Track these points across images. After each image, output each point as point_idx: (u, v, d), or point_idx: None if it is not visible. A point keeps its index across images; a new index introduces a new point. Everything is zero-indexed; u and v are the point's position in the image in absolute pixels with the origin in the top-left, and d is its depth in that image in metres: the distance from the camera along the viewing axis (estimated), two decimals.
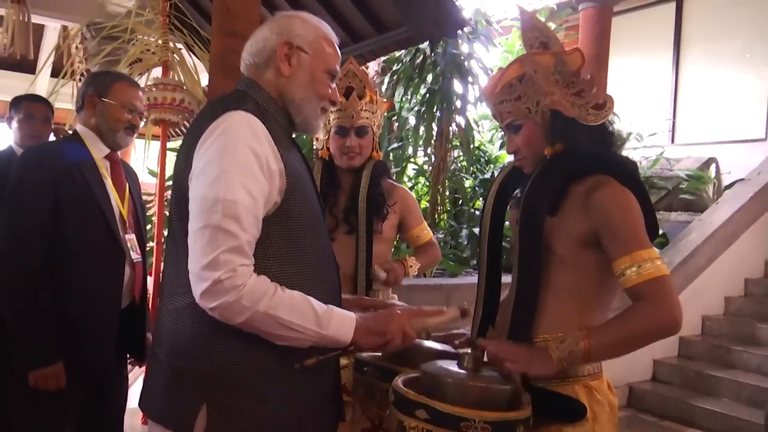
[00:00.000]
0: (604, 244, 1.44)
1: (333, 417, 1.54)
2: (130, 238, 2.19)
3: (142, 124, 2.41)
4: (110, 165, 2.23)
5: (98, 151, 2.20)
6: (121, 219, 2.19)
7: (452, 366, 1.39)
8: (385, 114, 5.99)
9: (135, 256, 2.19)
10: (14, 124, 3.07)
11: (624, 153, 6.00)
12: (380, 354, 1.65)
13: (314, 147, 2.48)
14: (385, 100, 2.54)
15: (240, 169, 1.30)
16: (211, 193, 1.28)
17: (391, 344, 1.40)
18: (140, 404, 1.47)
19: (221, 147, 1.31)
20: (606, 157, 1.53)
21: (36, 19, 4.72)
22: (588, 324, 1.48)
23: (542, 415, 1.40)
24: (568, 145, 1.52)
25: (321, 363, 1.37)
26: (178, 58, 3.67)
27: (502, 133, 1.78)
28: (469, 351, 1.43)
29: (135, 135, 2.33)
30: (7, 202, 2.07)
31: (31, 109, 3.05)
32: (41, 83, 6.92)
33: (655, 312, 1.37)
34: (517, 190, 1.69)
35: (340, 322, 1.35)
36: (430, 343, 1.63)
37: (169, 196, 2.41)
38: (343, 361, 1.78)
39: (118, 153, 2.31)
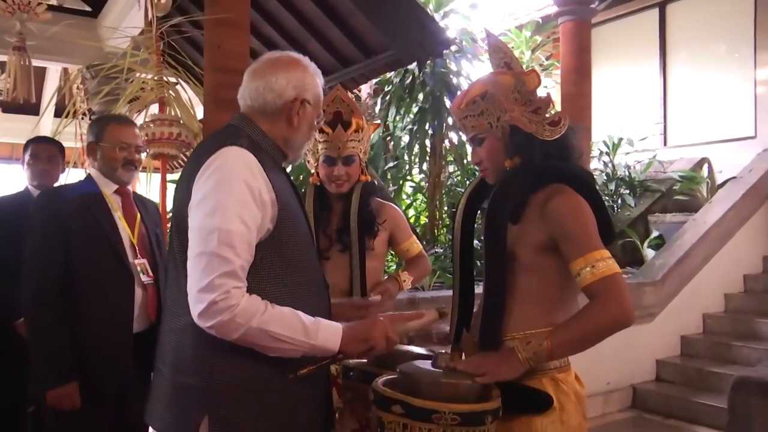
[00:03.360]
0: (561, 248, 1.56)
1: (324, 426, 1.65)
2: (141, 262, 2.38)
3: (142, 156, 2.64)
4: (121, 199, 2.47)
5: (108, 188, 2.45)
6: (131, 245, 2.39)
7: (427, 366, 1.51)
8: (380, 134, 6.17)
9: (145, 278, 2.37)
10: (25, 165, 3.23)
11: (617, 158, 6.12)
12: (365, 360, 1.78)
13: (312, 172, 2.59)
14: (377, 122, 2.67)
15: (235, 201, 1.42)
16: (208, 222, 1.41)
17: (375, 349, 1.54)
18: (145, 417, 1.59)
19: (218, 180, 1.44)
20: (562, 168, 1.65)
21: (37, 62, 4.91)
22: (553, 323, 1.59)
23: (512, 407, 1.51)
24: (525, 159, 1.65)
25: (313, 372, 1.49)
26: (173, 94, 3.81)
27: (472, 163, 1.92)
28: (443, 351, 1.55)
29: (136, 168, 2.53)
30: (28, 239, 2.33)
31: (35, 149, 3.21)
32: (46, 124, 7.11)
33: (608, 308, 1.48)
34: (485, 201, 1.81)
35: (328, 333, 1.48)
36: (409, 347, 1.76)
37: (170, 226, 2.55)
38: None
39: (128, 187, 2.53)
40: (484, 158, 1.72)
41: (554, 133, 1.64)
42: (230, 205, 1.42)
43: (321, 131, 2.38)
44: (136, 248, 2.40)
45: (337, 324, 1.51)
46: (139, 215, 2.49)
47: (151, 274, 2.39)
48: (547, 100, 1.68)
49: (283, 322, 1.43)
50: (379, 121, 5.80)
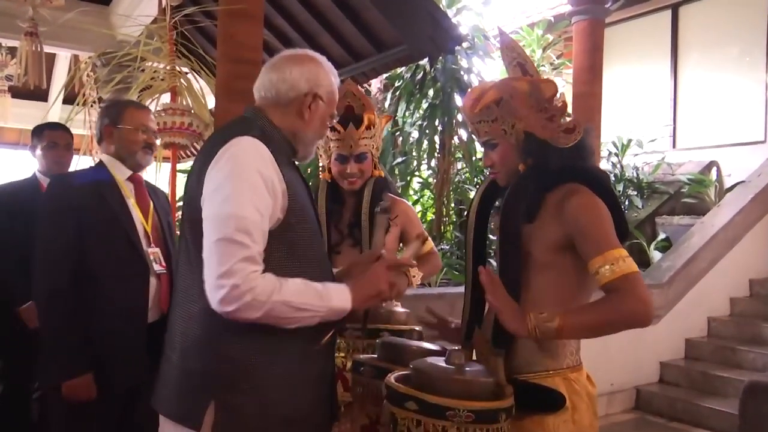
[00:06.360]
0: (578, 247, 1.55)
1: (328, 416, 1.67)
2: (154, 252, 2.35)
3: (157, 142, 2.62)
4: (134, 186, 2.44)
5: (121, 174, 2.40)
6: (145, 234, 2.36)
7: (440, 362, 1.51)
8: (389, 129, 6.16)
9: (158, 268, 2.33)
10: (38, 152, 3.18)
11: (626, 159, 6.10)
12: (376, 355, 1.79)
13: (320, 164, 2.59)
14: (386, 114, 2.66)
15: (249, 189, 1.44)
16: (224, 210, 1.43)
17: (385, 299, 1.63)
18: (152, 402, 1.60)
19: (232, 169, 1.46)
20: (578, 168, 1.64)
21: (48, 49, 4.91)
22: None
23: (524, 405, 1.51)
24: (539, 161, 1.64)
25: (334, 336, 1.59)
26: (185, 84, 3.80)
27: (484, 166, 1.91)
28: (456, 348, 1.55)
29: (153, 153, 2.53)
30: (39, 229, 2.29)
31: (54, 137, 3.18)
32: (53, 111, 7.11)
33: (629, 301, 1.47)
34: (498, 200, 1.80)
35: (339, 293, 1.53)
36: (421, 343, 1.76)
37: (179, 215, 2.56)
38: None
39: (141, 174, 2.51)
40: (497, 162, 1.71)
41: (569, 140, 1.63)
42: (245, 193, 1.44)
43: (332, 129, 2.38)
44: (150, 237, 2.37)
45: (343, 285, 1.56)
46: (152, 203, 2.46)
47: (164, 263, 2.36)
48: (563, 108, 1.67)
49: (299, 291, 1.46)
50: (390, 115, 5.78)
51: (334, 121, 1.77)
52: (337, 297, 1.51)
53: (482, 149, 1.81)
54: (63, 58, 8.19)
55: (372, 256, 1.71)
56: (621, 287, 1.48)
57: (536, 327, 1.49)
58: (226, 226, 1.41)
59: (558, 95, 1.67)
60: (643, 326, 1.49)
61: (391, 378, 1.50)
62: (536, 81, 1.67)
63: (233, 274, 1.38)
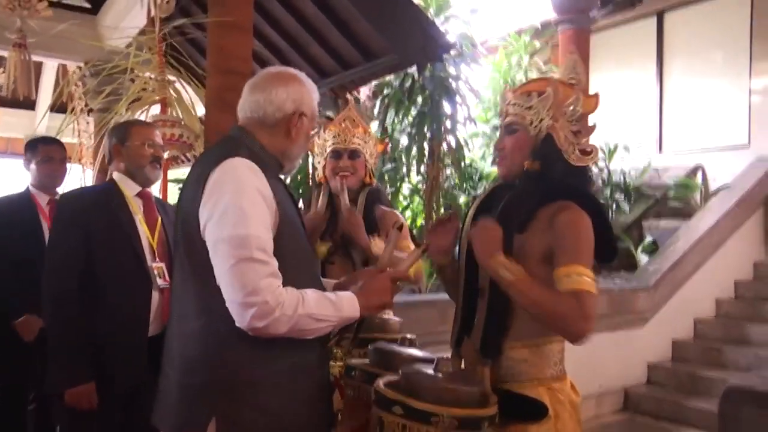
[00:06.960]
0: (554, 256, 1.59)
1: (325, 423, 1.70)
2: (158, 266, 2.41)
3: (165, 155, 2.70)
4: (143, 202, 2.51)
5: (131, 190, 2.49)
6: (150, 248, 2.42)
7: (428, 369, 1.55)
8: (380, 134, 6.20)
9: (161, 282, 2.39)
10: (32, 166, 3.17)
11: (613, 164, 6.12)
12: (367, 360, 1.83)
13: (310, 169, 2.66)
14: (380, 141, 2.75)
15: (254, 208, 1.49)
16: (238, 231, 1.46)
17: (387, 309, 1.80)
18: (153, 420, 1.63)
19: (234, 191, 1.49)
20: (572, 186, 1.69)
21: (35, 58, 4.90)
22: (553, 334, 1.65)
23: (508, 415, 1.56)
24: (544, 167, 1.69)
25: (339, 339, 1.69)
26: (175, 95, 3.83)
27: (493, 149, 1.96)
28: (444, 357, 1.60)
29: (161, 168, 2.60)
30: (49, 241, 2.41)
31: (48, 152, 3.17)
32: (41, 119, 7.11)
33: (576, 312, 1.50)
34: (493, 211, 1.84)
35: (349, 303, 1.58)
36: (412, 350, 1.81)
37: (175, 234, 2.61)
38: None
39: (150, 190, 2.58)
40: (508, 148, 1.75)
41: (581, 161, 1.69)
42: (252, 212, 1.48)
43: (330, 129, 2.48)
44: (156, 252, 2.42)
45: (349, 293, 1.61)
46: (160, 219, 2.52)
47: (167, 278, 2.40)
48: (590, 130, 1.73)
49: (317, 303, 1.52)
50: (386, 143, 5.85)
51: (317, 134, 1.83)
52: (347, 307, 1.57)
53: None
54: (50, 67, 8.19)
55: (381, 269, 1.75)
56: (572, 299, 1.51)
57: (493, 267, 1.57)
58: (243, 247, 1.44)
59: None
60: (573, 341, 1.53)
61: (380, 383, 1.54)
62: (583, 91, 1.73)
63: (261, 291, 1.42)
